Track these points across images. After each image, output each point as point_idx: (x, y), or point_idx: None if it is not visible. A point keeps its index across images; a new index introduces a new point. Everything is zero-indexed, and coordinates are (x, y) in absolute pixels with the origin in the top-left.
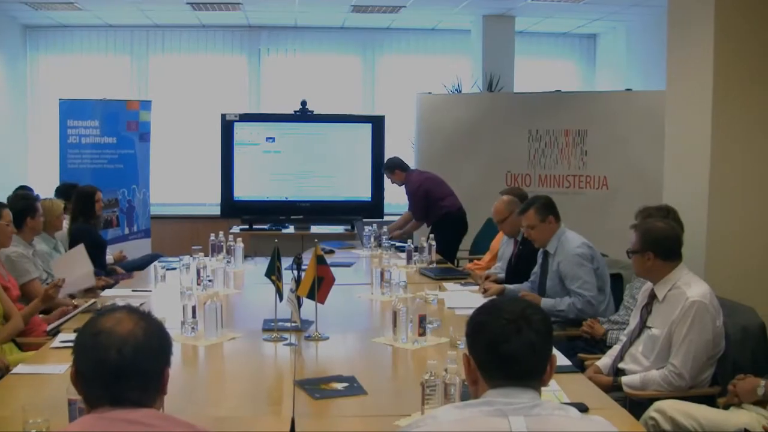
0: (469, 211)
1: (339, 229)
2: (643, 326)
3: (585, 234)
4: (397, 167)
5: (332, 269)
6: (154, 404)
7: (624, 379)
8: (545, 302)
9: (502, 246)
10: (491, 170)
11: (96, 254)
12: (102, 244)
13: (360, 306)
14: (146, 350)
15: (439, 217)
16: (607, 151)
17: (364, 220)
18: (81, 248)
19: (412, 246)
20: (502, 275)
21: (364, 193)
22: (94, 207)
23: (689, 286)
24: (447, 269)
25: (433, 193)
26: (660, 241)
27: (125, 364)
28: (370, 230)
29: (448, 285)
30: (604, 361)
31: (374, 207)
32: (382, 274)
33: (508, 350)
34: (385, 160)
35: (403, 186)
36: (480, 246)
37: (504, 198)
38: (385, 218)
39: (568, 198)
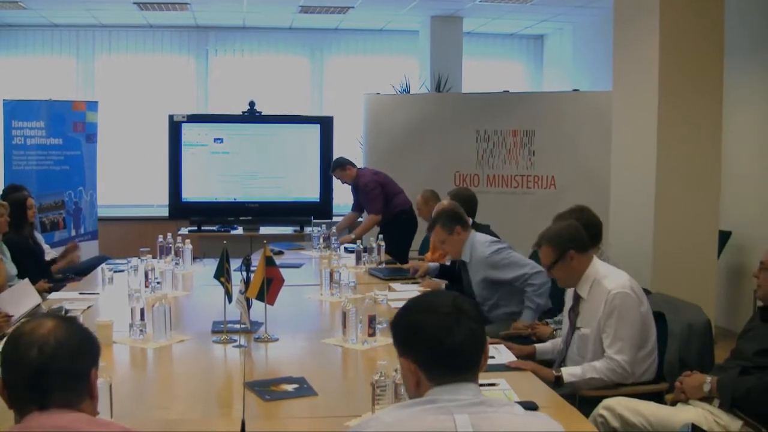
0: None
1: (288, 230)
2: (573, 329)
3: (533, 233)
4: (348, 163)
5: (281, 270)
6: (85, 408)
7: (565, 369)
8: (523, 320)
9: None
10: (440, 170)
11: (32, 264)
12: (36, 253)
13: (309, 307)
14: (67, 348)
15: (391, 216)
16: (554, 151)
17: (314, 220)
18: (26, 283)
19: (361, 246)
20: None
21: (313, 193)
22: (25, 214)
23: (608, 279)
24: (396, 269)
25: (388, 188)
26: (573, 235)
27: (46, 362)
28: (320, 231)
29: (396, 285)
30: (545, 346)
31: (323, 208)
32: (331, 275)
33: (453, 342)
34: (334, 160)
35: (353, 184)
36: (428, 246)
37: (440, 205)
38: (334, 219)
39: (516, 198)
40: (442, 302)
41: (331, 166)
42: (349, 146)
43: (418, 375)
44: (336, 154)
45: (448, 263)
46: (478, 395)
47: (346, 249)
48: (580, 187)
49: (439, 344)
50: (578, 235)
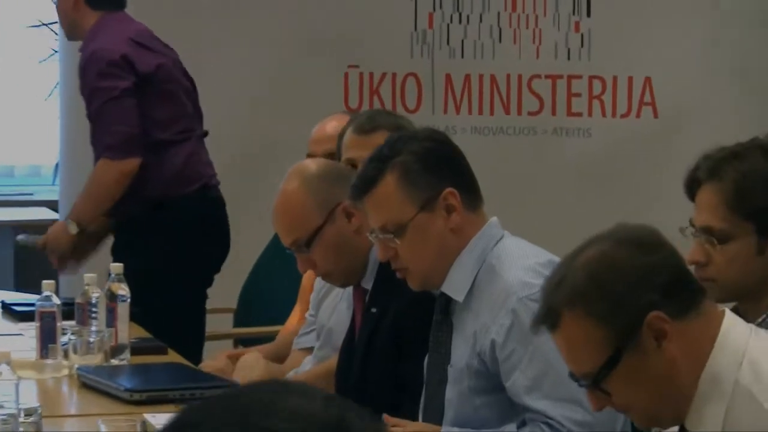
0: (232, 196)
1: None
2: None
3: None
4: None
5: None
6: None
7: None
8: None
9: (320, 291)
10: (306, 67)
11: None
12: None
13: None
14: None
15: (158, 200)
16: (648, 19)
17: None
18: None
19: (56, 302)
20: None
21: None
22: None
23: None
24: (164, 370)
25: (159, 104)
26: (649, 269)
27: None
28: None
29: (159, 419)
30: None
31: None
32: None
33: None
34: None
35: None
36: (268, 300)
37: (298, 172)
38: None
39: (543, 144)
40: (315, 415)
41: None
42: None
43: None
44: None
45: None
46: None
47: (6, 308)
48: (714, 111)
49: None
50: (667, 266)
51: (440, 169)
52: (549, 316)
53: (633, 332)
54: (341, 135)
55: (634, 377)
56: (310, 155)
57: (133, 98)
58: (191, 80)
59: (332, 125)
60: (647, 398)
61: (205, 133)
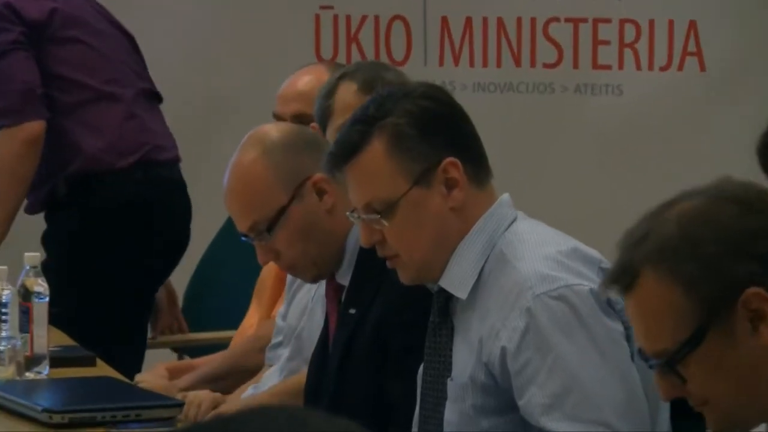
0: (190, 171)
1: None
2: None
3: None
4: None
5: None
6: None
7: None
8: None
9: (292, 283)
10: (268, 4)
11: None
12: None
13: None
14: None
15: (68, 173)
16: None
17: None
18: None
19: None
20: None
21: None
22: None
23: None
24: (91, 386)
25: (60, 52)
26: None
27: None
28: None
29: None
30: None
31: None
32: None
33: None
34: None
35: None
36: (219, 299)
37: (257, 139)
38: None
39: (563, 103)
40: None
41: None
42: None
43: None
44: None
45: None
46: None
47: None
48: None
49: None
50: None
51: (440, 135)
52: (625, 273)
53: (725, 307)
54: (330, 91)
55: (718, 363)
56: (277, 117)
57: (24, 51)
58: (124, 31)
59: (305, 80)
60: (730, 390)
61: (155, 96)
